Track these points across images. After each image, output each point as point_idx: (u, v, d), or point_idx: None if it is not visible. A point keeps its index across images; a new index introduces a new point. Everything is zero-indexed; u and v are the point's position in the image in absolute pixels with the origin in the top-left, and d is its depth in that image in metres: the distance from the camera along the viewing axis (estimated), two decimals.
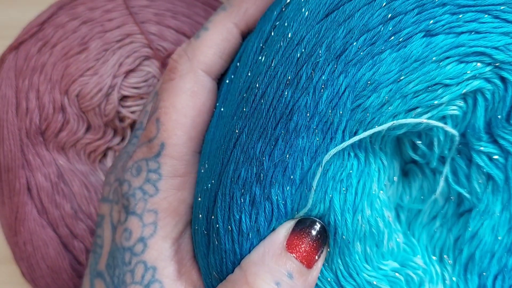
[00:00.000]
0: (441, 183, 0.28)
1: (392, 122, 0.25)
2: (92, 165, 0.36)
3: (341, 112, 0.25)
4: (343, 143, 0.25)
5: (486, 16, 0.24)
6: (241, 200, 0.26)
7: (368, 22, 0.24)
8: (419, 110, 0.26)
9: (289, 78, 0.25)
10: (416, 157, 0.28)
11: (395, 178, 0.29)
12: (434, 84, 0.25)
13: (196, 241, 0.28)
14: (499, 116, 0.26)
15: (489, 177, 0.28)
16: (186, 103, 0.27)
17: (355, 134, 0.26)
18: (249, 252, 0.26)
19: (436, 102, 0.25)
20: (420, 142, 0.28)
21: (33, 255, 0.35)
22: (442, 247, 0.30)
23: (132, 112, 0.35)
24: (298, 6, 0.26)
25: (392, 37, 0.24)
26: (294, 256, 0.25)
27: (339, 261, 0.27)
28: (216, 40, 0.27)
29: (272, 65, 0.25)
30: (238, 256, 0.26)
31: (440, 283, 0.29)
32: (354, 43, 0.24)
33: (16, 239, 0.35)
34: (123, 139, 0.37)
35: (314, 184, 0.25)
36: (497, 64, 0.25)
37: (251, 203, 0.26)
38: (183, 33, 0.35)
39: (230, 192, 0.26)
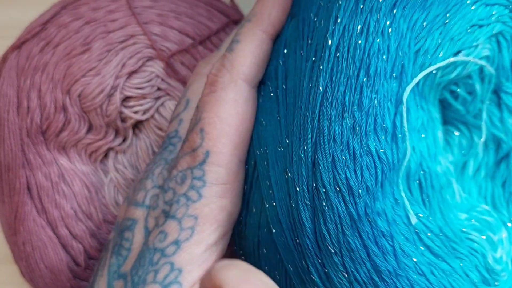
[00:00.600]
0: (483, 128, 0.30)
1: (451, 59, 0.27)
2: (93, 165, 0.36)
3: (407, 54, 0.26)
4: (413, 79, 0.26)
5: None
6: (342, 158, 0.25)
7: None
8: (463, 52, 0.28)
9: (358, 27, 0.26)
10: (458, 105, 0.30)
11: (440, 133, 0.30)
12: (471, 26, 0.28)
13: (292, 219, 0.25)
14: None
15: None
16: (229, 112, 0.28)
17: (417, 83, 0.27)
18: (364, 211, 0.25)
19: (474, 43, 0.28)
20: (457, 88, 0.30)
21: (32, 255, 0.34)
22: (493, 195, 0.31)
23: (135, 112, 0.35)
24: None
25: None
26: None
27: (436, 209, 0.27)
28: (250, 49, 0.28)
29: (338, 21, 0.26)
30: (355, 218, 0.24)
31: (502, 227, 0.30)
32: None
33: (15, 239, 0.35)
34: (124, 140, 0.36)
35: (405, 124, 0.25)
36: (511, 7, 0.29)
37: (352, 158, 0.25)
38: (186, 34, 0.35)
39: (329, 151, 0.25)
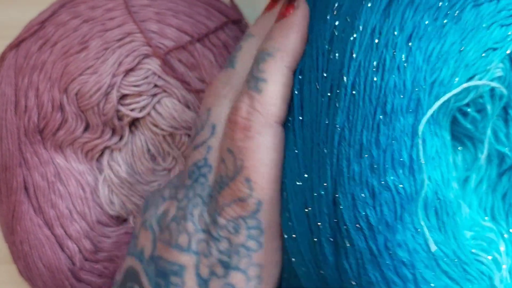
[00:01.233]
0: (486, 144, 0.30)
1: (465, 84, 0.27)
2: (89, 164, 0.36)
3: (423, 87, 0.26)
4: (429, 109, 0.26)
5: None
6: (362, 196, 0.25)
7: (429, 0, 0.26)
8: (477, 76, 0.28)
9: (374, 63, 0.26)
10: (468, 125, 0.30)
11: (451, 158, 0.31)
12: (486, 50, 0.28)
13: (314, 256, 0.26)
14: None
15: None
16: (271, 157, 0.27)
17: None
18: (384, 245, 0.25)
19: (488, 67, 0.28)
20: (468, 108, 0.30)
21: (30, 254, 0.35)
22: (492, 207, 0.31)
23: (132, 110, 0.35)
24: (354, 1, 0.27)
25: (449, 11, 0.27)
26: None
27: (450, 233, 0.27)
28: (279, 89, 0.28)
29: (354, 56, 0.26)
30: (375, 253, 0.25)
31: (500, 240, 0.31)
32: (422, 21, 0.26)
33: (13, 238, 0.35)
34: (121, 138, 0.37)
35: (421, 157, 0.26)
36: None
37: (371, 195, 0.25)
38: (185, 32, 0.35)
39: (349, 190, 0.25)
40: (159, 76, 0.35)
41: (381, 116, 0.26)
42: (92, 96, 0.34)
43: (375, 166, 0.26)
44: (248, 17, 0.39)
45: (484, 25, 0.27)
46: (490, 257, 0.29)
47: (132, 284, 0.30)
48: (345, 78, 0.26)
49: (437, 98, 0.27)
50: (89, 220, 0.35)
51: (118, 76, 0.34)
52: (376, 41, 0.26)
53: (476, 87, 0.28)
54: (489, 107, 0.30)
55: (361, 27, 0.26)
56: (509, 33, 0.28)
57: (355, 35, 0.26)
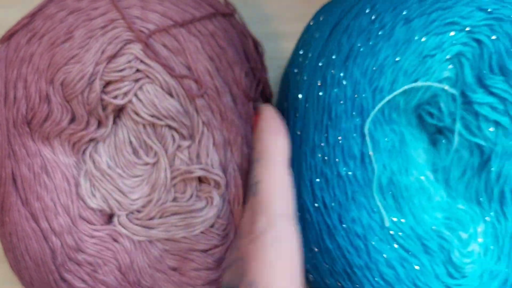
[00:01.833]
0: (456, 137, 0.34)
1: (405, 87, 0.32)
2: (75, 156, 0.37)
3: (364, 96, 0.33)
4: (372, 112, 0.32)
5: None
6: (317, 182, 0.33)
7: (361, 26, 0.33)
8: (420, 80, 0.33)
9: (319, 82, 0.33)
10: (433, 121, 0.35)
11: (425, 146, 0.36)
12: (424, 57, 0.33)
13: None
14: (483, 71, 0.33)
15: (496, 123, 0.34)
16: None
17: (383, 112, 0.33)
18: (339, 221, 0.33)
19: (430, 70, 0.33)
20: (430, 107, 0.34)
21: (18, 246, 0.35)
22: (477, 192, 0.35)
23: (115, 98, 0.35)
24: (311, 32, 0.35)
25: (381, 31, 0.32)
26: None
27: (408, 213, 0.34)
28: (273, 187, 0.32)
29: (305, 78, 0.34)
30: (331, 226, 0.33)
31: (481, 221, 0.34)
32: (355, 43, 0.33)
33: (3, 230, 0.35)
34: (105, 130, 0.37)
35: (370, 151, 0.32)
36: (467, 29, 0.32)
37: (326, 182, 0.33)
38: (169, 18, 0.35)
39: (308, 178, 0.33)
40: (141, 61, 0.34)
41: (328, 121, 0.33)
42: (76, 85, 0.34)
43: (326, 159, 0.33)
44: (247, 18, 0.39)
45: (416, 37, 0.32)
46: (449, 234, 0.34)
47: None
48: (300, 95, 0.34)
49: (381, 102, 0.33)
50: (71, 214, 0.35)
51: (101, 64, 0.34)
52: (320, 64, 0.33)
53: (422, 88, 0.33)
54: (443, 105, 0.34)
55: (310, 54, 0.34)
56: (445, 39, 0.32)
57: (306, 61, 0.34)
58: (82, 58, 0.34)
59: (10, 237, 0.35)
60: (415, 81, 0.33)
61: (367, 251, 0.33)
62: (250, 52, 0.37)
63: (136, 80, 0.35)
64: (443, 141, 0.36)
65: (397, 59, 0.32)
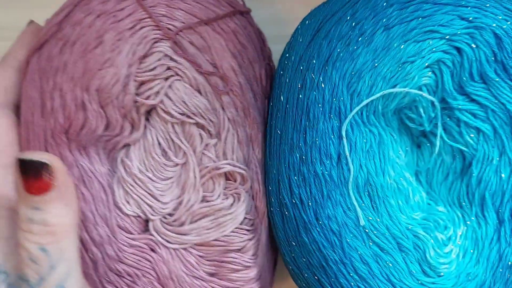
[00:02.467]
0: (438, 142, 0.35)
1: (382, 92, 0.34)
2: (110, 164, 0.37)
3: (342, 99, 0.34)
4: (349, 115, 0.34)
5: (427, 4, 0.33)
6: (295, 179, 0.35)
7: (341, 32, 0.34)
8: (398, 86, 0.34)
9: (299, 85, 0.35)
10: (413, 125, 0.36)
11: (407, 148, 0.37)
12: (402, 63, 0.34)
13: (273, 220, 0.37)
14: (464, 78, 0.34)
15: (478, 130, 0.35)
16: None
17: (362, 114, 0.35)
18: (315, 217, 0.35)
19: (408, 77, 0.34)
20: (411, 112, 0.35)
21: None
22: (459, 196, 0.36)
23: (147, 98, 0.36)
24: (296, 36, 0.36)
25: (360, 38, 0.34)
26: (32, 194, 0.31)
27: (383, 212, 0.35)
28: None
29: (287, 80, 0.36)
30: (306, 222, 0.35)
31: (462, 224, 0.35)
32: (335, 48, 0.34)
33: None
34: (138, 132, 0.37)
35: (346, 152, 0.34)
36: (447, 37, 0.33)
37: (303, 180, 0.35)
38: (194, 15, 0.35)
39: (286, 175, 0.35)
40: (170, 58, 0.35)
41: (306, 122, 0.35)
42: (112, 89, 0.34)
43: (304, 158, 0.35)
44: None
45: (395, 44, 0.33)
46: (424, 234, 0.35)
47: None
48: (282, 97, 0.36)
49: (359, 106, 0.34)
50: (109, 223, 0.35)
51: (134, 65, 0.34)
52: (301, 67, 0.35)
53: (399, 93, 0.34)
54: (422, 110, 0.35)
55: (293, 57, 0.36)
56: (425, 47, 0.33)
57: (289, 64, 0.36)
58: (115, 62, 0.34)
59: None
60: (394, 86, 0.34)
61: (342, 247, 0.35)
62: (265, 50, 0.39)
63: (166, 78, 0.35)
64: (427, 144, 0.37)
65: (376, 64, 0.34)
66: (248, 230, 0.37)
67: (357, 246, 0.35)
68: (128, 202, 0.37)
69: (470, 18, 0.33)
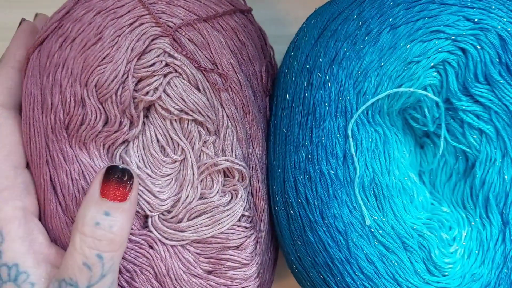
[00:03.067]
0: (442, 143, 0.35)
1: (388, 92, 0.34)
2: (110, 160, 0.37)
3: (348, 98, 0.34)
4: (355, 114, 0.34)
5: (433, 4, 0.34)
6: (301, 178, 0.35)
7: (347, 31, 0.34)
8: (404, 85, 0.34)
9: (305, 83, 0.35)
10: (417, 126, 0.36)
11: (411, 148, 0.37)
12: (408, 63, 0.34)
13: (278, 219, 0.37)
14: (469, 79, 0.34)
15: (481, 131, 0.35)
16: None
17: (367, 114, 0.35)
18: (320, 216, 0.35)
19: (414, 76, 0.34)
20: (415, 112, 0.36)
21: None
22: (463, 197, 0.36)
23: (146, 94, 0.36)
24: (302, 35, 0.37)
25: (367, 37, 0.34)
26: (106, 199, 0.33)
27: (389, 212, 0.35)
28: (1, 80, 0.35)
29: (293, 79, 0.36)
30: (312, 221, 0.35)
31: (466, 225, 0.35)
32: (342, 47, 0.34)
33: (48, 236, 0.36)
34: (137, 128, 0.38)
35: (352, 151, 0.34)
36: (453, 38, 0.34)
37: (309, 179, 0.35)
38: (193, 12, 0.36)
39: (292, 174, 0.35)
40: (169, 54, 0.35)
41: (312, 121, 0.35)
42: (110, 84, 0.35)
43: (310, 157, 0.35)
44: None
45: (401, 44, 0.34)
46: (430, 233, 0.35)
47: None
48: (287, 95, 0.36)
49: (365, 105, 0.35)
50: None
51: (132, 61, 0.35)
52: (307, 66, 0.35)
53: (405, 93, 0.35)
54: (426, 111, 0.35)
55: (299, 56, 0.36)
56: (431, 47, 0.34)
57: (295, 63, 0.36)
58: (114, 58, 0.35)
59: (55, 243, 0.36)
60: (400, 86, 0.34)
61: (348, 246, 0.35)
62: (266, 48, 0.39)
63: (165, 75, 0.36)
64: (430, 145, 0.37)
65: (382, 64, 0.34)
66: (246, 228, 0.37)
67: (363, 245, 0.35)
68: None
69: (476, 20, 0.34)
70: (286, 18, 0.47)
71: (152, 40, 0.35)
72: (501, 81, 0.34)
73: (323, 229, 0.35)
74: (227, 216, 0.36)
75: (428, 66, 0.34)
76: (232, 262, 0.36)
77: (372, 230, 0.35)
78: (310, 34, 0.36)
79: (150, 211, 0.37)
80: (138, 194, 0.37)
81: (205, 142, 0.37)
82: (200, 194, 0.37)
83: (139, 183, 0.37)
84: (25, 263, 0.33)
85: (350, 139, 0.34)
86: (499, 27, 0.34)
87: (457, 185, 0.37)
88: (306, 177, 0.35)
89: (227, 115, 0.36)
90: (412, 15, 0.34)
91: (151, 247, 0.36)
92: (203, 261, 0.37)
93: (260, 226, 0.37)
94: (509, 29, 0.34)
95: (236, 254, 0.36)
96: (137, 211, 0.37)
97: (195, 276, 0.36)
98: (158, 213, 0.37)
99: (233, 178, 0.37)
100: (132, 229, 0.36)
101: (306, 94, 0.35)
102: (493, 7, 0.34)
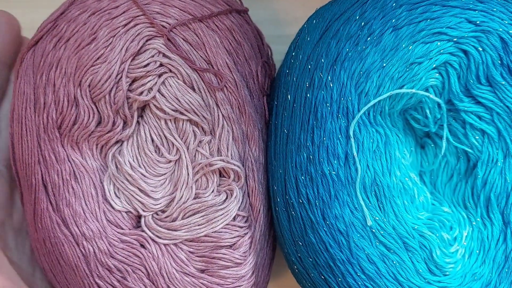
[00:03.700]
0: (444, 143, 0.36)
1: (390, 93, 0.34)
2: (102, 160, 0.37)
3: (350, 99, 0.34)
4: (356, 115, 0.34)
5: (435, 6, 0.34)
6: (302, 179, 0.35)
7: (350, 31, 0.34)
8: (405, 86, 0.34)
9: (307, 84, 0.35)
10: (418, 126, 0.36)
11: (412, 149, 0.37)
12: (410, 64, 0.34)
13: (278, 220, 0.37)
14: (471, 80, 0.34)
15: (483, 132, 0.35)
16: None
17: (369, 114, 0.35)
18: (322, 217, 0.34)
19: (416, 77, 0.34)
20: (416, 113, 0.36)
21: (52, 252, 0.35)
22: (464, 197, 0.36)
23: (140, 94, 0.36)
24: (303, 36, 0.37)
25: (369, 38, 0.34)
26: None
27: (390, 212, 0.35)
28: None
29: (295, 79, 0.36)
30: (314, 221, 0.35)
31: (467, 225, 0.35)
32: (344, 48, 0.34)
33: (37, 236, 0.36)
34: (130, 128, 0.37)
35: (354, 152, 0.34)
36: (455, 40, 0.34)
37: (310, 179, 0.35)
38: (188, 12, 0.36)
39: (293, 174, 0.35)
40: (164, 55, 0.35)
41: (314, 122, 0.35)
42: (104, 84, 0.35)
43: (311, 157, 0.35)
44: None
45: (404, 45, 0.34)
46: (431, 233, 0.35)
47: None
48: (289, 96, 0.36)
49: (367, 104, 0.35)
50: (99, 219, 0.36)
51: (126, 62, 0.35)
52: (309, 66, 0.35)
53: (407, 94, 0.35)
54: (428, 112, 0.35)
55: (300, 56, 0.36)
56: (433, 48, 0.34)
57: (296, 63, 0.36)
58: (107, 57, 0.35)
59: (44, 243, 0.36)
60: (401, 87, 0.34)
61: (349, 247, 0.35)
62: (263, 48, 0.39)
63: (160, 75, 0.36)
64: (431, 145, 0.37)
65: (384, 64, 0.34)
66: (240, 227, 0.37)
67: (364, 246, 0.35)
68: (118, 198, 0.37)
69: (478, 22, 0.34)
70: (285, 18, 0.47)
71: (147, 40, 0.35)
72: (503, 82, 0.35)
73: (324, 230, 0.35)
74: (221, 215, 0.36)
75: (430, 68, 0.34)
76: (225, 261, 0.36)
77: (374, 230, 0.35)
78: (311, 34, 0.36)
79: (143, 210, 0.37)
80: (131, 194, 0.37)
81: (200, 142, 0.37)
82: (195, 194, 0.37)
83: (132, 183, 0.37)
84: None
85: (352, 139, 0.34)
86: (500, 29, 0.34)
87: (458, 185, 0.37)
88: (308, 178, 0.35)
89: (222, 115, 0.36)
90: (414, 16, 0.34)
91: (142, 246, 0.36)
92: (196, 260, 0.36)
93: (256, 226, 0.37)
94: (510, 31, 0.34)
95: (228, 253, 0.36)
96: (130, 211, 0.37)
97: (188, 274, 0.36)
98: (151, 212, 0.37)
99: (229, 178, 0.37)
100: (123, 229, 0.36)
101: (308, 95, 0.35)
102: (494, 9, 0.34)
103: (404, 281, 0.34)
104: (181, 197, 0.37)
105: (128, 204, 0.37)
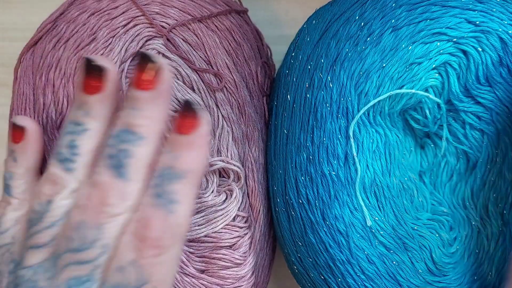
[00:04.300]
0: (443, 144, 0.36)
1: (389, 93, 0.34)
2: None
3: (350, 99, 0.34)
4: (356, 115, 0.34)
5: (435, 6, 0.34)
6: (302, 179, 0.35)
7: (349, 32, 0.34)
8: (405, 87, 0.34)
9: (306, 84, 0.35)
10: (418, 126, 0.36)
11: (411, 149, 0.37)
12: (410, 64, 0.34)
13: (278, 220, 0.37)
14: (470, 81, 0.34)
15: (482, 132, 0.35)
16: (175, 270, 0.30)
17: (368, 114, 0.35)
18: (322, 217, 0.34)
19: (415, 78, 0.34)
20: (416, 113, 0.36)
21: None
22: (463, 197, 0.36)
23: None
24: (303, 36, 0.37)
25: (369, 38, 0.34)
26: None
27: (389, 212, 0.35)
28: (189, 210, 0.29)
29: (294, 80, 0.36)
30: (314, 222, 0.35)
31: (467, 225, 0.35)
32: (343, 48, 0.34)
33: None
34: None
35: (354, 152, 0.34)
36: (454, 40, 0.34)
37: (310, 180, 0.35)
38: (188, 13, 0.36)
39: (293, 175, 0.35)
40: (163, 55, 0.36)
41: (313, 122, 0.35)
42: None
43: (311, 158, 0.35)
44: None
45: (403, 45, 0.34)
46: (431, 233, 0.35)
47: None
48: (288, 96, 0.36)
49: (366, 105, 0.35)
50: None
51: (125, 62, 0.35)
52: (309, 67, 0.35)
53: (407, 94, 0.35)
54: (428, 112, 0.35)
55: (300, 57, 0.36)
56: (433, 48, 0.34)
57: (296, 63, 0.36)
58: (107, 58, 0.35)
59: None
60: (401, 87, 0.35)
61: (349, 247, 0.35)
62: (263, 49, 0.39)
63: None
64: (431, 145, 0.37)
65: (383, 65, 0.34)
66: (240, 227, 0.37)
67: (364, 246, 0.35)
68: None
69: (477, 22, 0.34)
70: (284, 19, 0.47)
71: (146, 41, 0.36)
72: (503, 82, 0.35)
73: (324, 230, 0.35)
74: (221, 216, 0.36)
75: (430, 68, 0.34)
76: (225, 262, 0.36)
77: (373, 231, 0.35)
78: (311, 34, 0.36)
79: None
80: None
81: None
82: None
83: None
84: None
85: (352, 140, 0.34)
86: (500, 29, 0.34)
87: (458, 186, 0.37)
88: (307, 178, 0.35)
89: (222, 116, 0.36)
90: (414, 16, 0.34)
91: None
92: (195, 260, 0.36)
93: (256, 226, 0.37)
94: (510, 31, 0.34)
95: (228, 254, 0.36)
96: None
97: (188, 275, 0.36)
98: None
99: (228, 178, 0.37)
100: None
101: (308, 95, 0.35)
102: (494, 9, 0.34)
103: (403, 281, 0.34)
104: None
105: None
